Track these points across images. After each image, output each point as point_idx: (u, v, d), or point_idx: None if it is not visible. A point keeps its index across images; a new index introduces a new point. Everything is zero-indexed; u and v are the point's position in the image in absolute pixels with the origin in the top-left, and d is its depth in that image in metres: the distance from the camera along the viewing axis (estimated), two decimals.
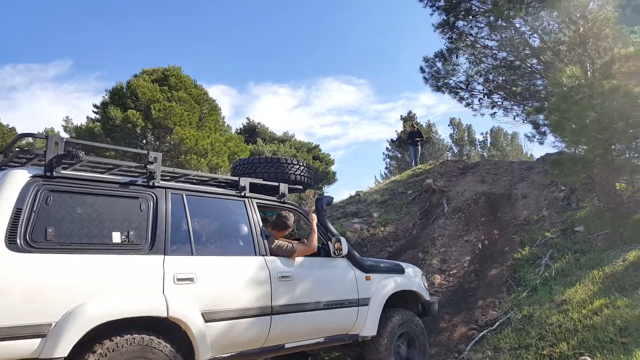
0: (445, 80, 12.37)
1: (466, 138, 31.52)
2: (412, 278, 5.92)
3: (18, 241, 3.17)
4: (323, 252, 5.10)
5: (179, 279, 3.75)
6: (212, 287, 3.93)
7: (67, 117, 33.76)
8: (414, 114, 32.59)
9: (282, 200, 5.05)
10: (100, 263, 3.47)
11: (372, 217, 13.10)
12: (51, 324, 3.13)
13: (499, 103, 12.11)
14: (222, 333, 3.91)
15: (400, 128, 31.50)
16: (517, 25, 10.18)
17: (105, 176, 3.93)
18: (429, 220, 12.15)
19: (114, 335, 3.33)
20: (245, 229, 4.56)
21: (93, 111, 24.56)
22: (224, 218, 4.78)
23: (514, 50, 10.56)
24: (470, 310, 7.52)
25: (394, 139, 30.26)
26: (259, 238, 4.53)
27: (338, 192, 56.91)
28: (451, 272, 9.32)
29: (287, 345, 4.50)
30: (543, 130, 11.26)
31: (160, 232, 3.85)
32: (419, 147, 19.31)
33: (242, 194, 4.63)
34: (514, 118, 12.56)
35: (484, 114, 13.06)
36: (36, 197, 3.36)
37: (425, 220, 12.27)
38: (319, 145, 33.49)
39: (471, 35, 11.18)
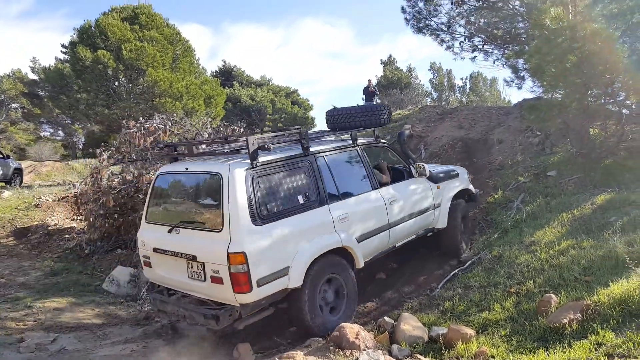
0: (427, 22, 12.03)
1: (446, 83, 31.35)
2: (464, 179, 7.71)
3: (257, 218, 4.60)
4: (406, 173, 6.75)
5: (340, 219, 5.34)
6: (357, 219, 5.56)
7: (34, 57, 32.07)
8: (394, 58, 32.24)
9: (377, 140, 6.62)
10: (301, 219, 4.99)
11: None
12: (289, 266, 4.74)
13: (479, 46, 11.89)
14: (367, 247, 5.67)
15: (380, 72, 31.05)
16: None
17: (282, 155, 5.14)
18: None
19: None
20: (363, 170, 6.06)
21: (61, 51, 23.47)
22: (349, 165, 6.03)
23: None
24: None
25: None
26: (372, 175, 6.10)
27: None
28: None
29: (396, 245, 6.33)
30: (522, 74, 11.16)
31: (321, 188, 5.34)
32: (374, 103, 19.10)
33: (355, 144, 6.09)
34: (494, 62, 12.44)
35: (464, 58, 12.86)
36: (253, 184, 4.70)
37: None
38: (297, 90, 32.87)
39: None
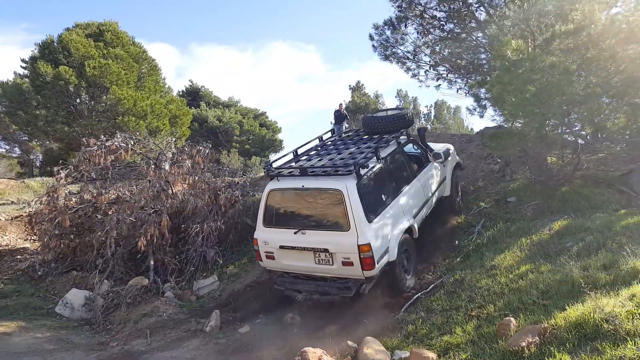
0: (394, 50, 12.34)
1: (412, 110, 32.04)
2: (455, 154, 9.91)
3: (368, 217, 6.46)
4: (424, 158, 8.75)
5: (405, 206, 7.33)
6: (412, 203, 7.60)
7: None
8: (362, 84, 32.71)
9: (409, 137, 8.53)
10: (388, 212, 6.91)
11: None
12: (388, 247, 6.71)
13: (444, 75, 12.25)
14: (417, 221, 7.66)
15: (349, 97, 31.50)
16: None
17: (369, 171, 6.94)
18: None
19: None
20: (406, 164, 8.02)
21: (21, 66, 22.79)
22: (400, 162, 7.89)
23: (461, 22, 10.65)
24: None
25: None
26: (412, 167, 8.12)
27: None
28: None
29: (427, 214, 8.31)
30: (484, 103, 11.53)
31: (392, 185, 7.37)
32: (343, 127, 19.30)
33: (400, 146, 8.06)
34: (457, 91, 12.80)
35: (429, 86, 13.20)
36: (361, 193, 6.51)
37: None
38: (265, 112, 32.76)
39: (420, 4, 11.16)
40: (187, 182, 10.97)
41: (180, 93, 30.55)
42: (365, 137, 8.68)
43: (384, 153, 7.49)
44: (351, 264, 6.42)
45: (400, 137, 8.21)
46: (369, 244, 6.28)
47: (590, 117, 8.03)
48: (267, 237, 7.14)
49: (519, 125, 8.89)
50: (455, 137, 15.70)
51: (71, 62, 19.81)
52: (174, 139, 12.51)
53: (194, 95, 30.81)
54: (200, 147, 11.65)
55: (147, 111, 19.94)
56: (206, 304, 8.74)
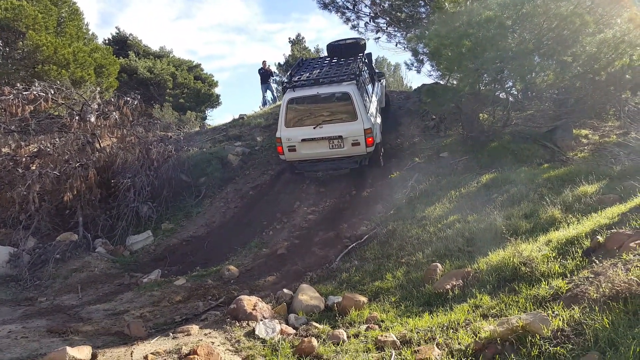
0: None
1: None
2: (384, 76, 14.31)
3: (365, 111, 9.01)
4: (372, 80, 11.09)
5: (375, 106, 10.28)
6: (377, 106, 10.59)
7: None
8: (303, 37, 31.98)
9: (364, 60, 10.84)
10: (372, 107, 9.76)
11: (255, 140, 12.87)
12: (376, 132, 9.39)
13: (383, 28, 12.18)
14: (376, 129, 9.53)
15: (288, 52, 30.81)
16: None
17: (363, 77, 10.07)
18: None
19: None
20: (370, 78, 10.83)
21: None
22: (367, 76, 10.57)
23: None
24: (343, 226, 7.85)
25: (282, 63, 29.63)
26: (373, 81, 11.12)
27: (223, 116, 55.23)
28: (327, 193, 9.59)
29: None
30: (421, 58, 11.64)
31: (370, 89, 10.28)
32: (271, 85, 19.18)
33: (363, 67, 10.27)
34: (397, 45, 12.83)
35: (369, 39, 13.11)
36: (359, 93, 8.99)
37: None
38: (200, 64, 31.16)
39: None
40: (115, 135, 10.40)
41: (106, 41, 28.23)
42: (334, 60, 10.74)
43: (359, 68, 9.62)
44: (358, 144, 8.76)
45: (362, 59, 10.47)
46: (370, 128, 8.70)
47: (521, 74, 8.26)
48: (289, 134, 9.03)
49: (454, 81, 9.05)
50: (393, 93, 15.84)
51: None
52: (98, 90, 11.70)
53: (121, 44, 28.57)
54: (128, 98, 11.00)
55: (69, 59, 18.35)
56: (140, 259, 8.54)
